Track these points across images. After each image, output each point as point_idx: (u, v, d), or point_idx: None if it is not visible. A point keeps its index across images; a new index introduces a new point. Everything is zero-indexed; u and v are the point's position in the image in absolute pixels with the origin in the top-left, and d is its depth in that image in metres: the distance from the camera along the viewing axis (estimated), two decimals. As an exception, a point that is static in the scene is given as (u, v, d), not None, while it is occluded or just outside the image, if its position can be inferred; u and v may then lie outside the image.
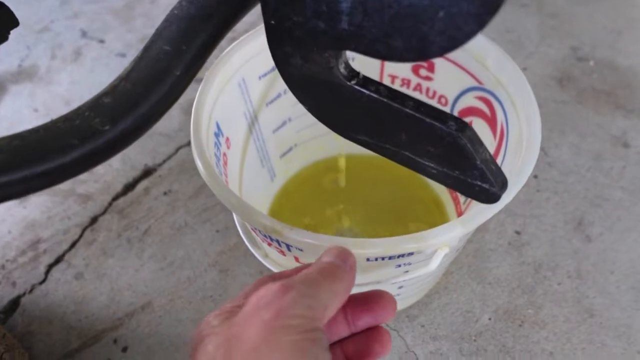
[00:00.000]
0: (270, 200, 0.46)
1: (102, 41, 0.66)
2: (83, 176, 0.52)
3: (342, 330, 0.21)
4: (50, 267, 0.46)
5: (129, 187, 0.51)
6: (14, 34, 0.23)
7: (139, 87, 0.19)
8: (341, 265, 0.20)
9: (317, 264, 0.20)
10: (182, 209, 0.49)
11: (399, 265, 0.29)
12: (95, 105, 0.19)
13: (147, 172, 0.52)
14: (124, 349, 0.41)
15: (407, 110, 0.20)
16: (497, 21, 0.62)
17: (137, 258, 0.46)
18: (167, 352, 0.40)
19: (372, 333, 0.21)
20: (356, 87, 0.21)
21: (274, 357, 0.16)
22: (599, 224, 0.45)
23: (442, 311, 0.41)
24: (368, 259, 0.27)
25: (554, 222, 0.45)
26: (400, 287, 0.34)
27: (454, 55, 0.36)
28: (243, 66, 0.35)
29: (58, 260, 0.46)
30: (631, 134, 0.51)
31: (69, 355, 0.40)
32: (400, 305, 0.40)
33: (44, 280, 0.45)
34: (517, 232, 0.45)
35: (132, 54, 0.65)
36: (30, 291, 0.44)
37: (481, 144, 0.20)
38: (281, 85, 0.29)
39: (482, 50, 0.34)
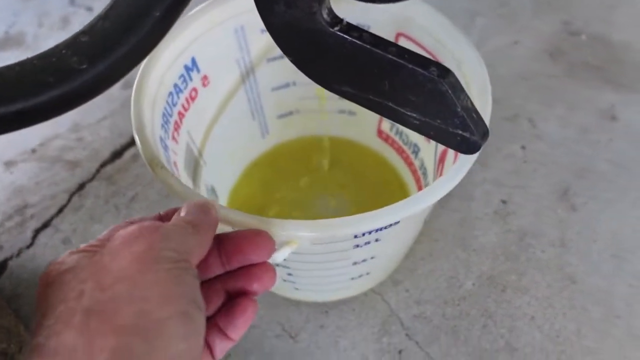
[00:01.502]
0: (256, 155, 0.47)
1: (90, 9, 0.65)
2: (71, 143, 0.52)
3: (217, 269, 0.22)
4: (37, 231, 0.46)
5: (116, 155, 0.51)
6: (0, 1, 0.23)
7: (118, 26, 0.19)
8: (205, 219, 0.20)
9: (182, 217, 0.20)
10: (171, 176, 0.49)
11: None
12: (72, 44, 0.19)
13: (134, 140, 0.52)
14: (111, 311, 0.41)
15: (390, 56, 0.20)
16: (490, -6, 0.61)
17: (125, 223, 0.46)
18: (154, 315, 0.40)
19: (251, 269, 0.22)
20: (339, 33, 0.21)
21: (148, 283, 0.17)
22: (583, 195, 0.46)
23: (427, 277, 0.41)
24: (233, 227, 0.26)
25: (540, 192, 0.46)
26: (289, 274, 0.33)
27: (421, 39, 0.35)
28: (245, 14, 0.35)
29: (45, 225, 0.46)
30: (619, 108, 0.51)
31: (55, 317, 0.41)
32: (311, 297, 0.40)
33: (31, 245, 0.45)
34: (503, 202, 0.45)
35: (121, 22, 0.64)
36: (18, 255, 0.44)
37: (462, 90, 0.20)
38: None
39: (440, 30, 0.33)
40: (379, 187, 0.46)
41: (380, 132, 0.45)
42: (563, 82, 0.54)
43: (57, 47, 0.19)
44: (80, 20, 0.64)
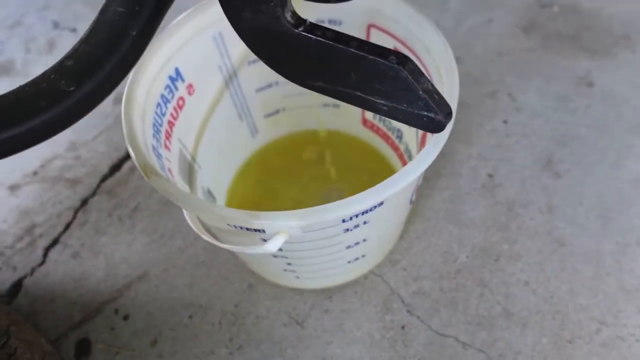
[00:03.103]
0: (248, 155, 0.49)
1: (74, 30, 0.67)
2: (70, 162, 0.54)
3: None
4: (47, 249, 0.48)
5: (115, 168, 0.53)
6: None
7: (99, 48, 0.21)
8: None
9: None
10: (169, 184, 0.50)
11: (264, 240, 0.29)
12: (59, 69, 0.21)
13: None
14: (125, 317, 0.43)
15: (352, 49, 0.22)
16: (461, -25, 0.63)
17: (129, 233, 0.48)
18: (167, 316, 0.42)
19: None
20: (304, 33, 0.23)
21: None
22: (566, 161, 0.47)
23: (422, 254, 0.43)
24: (228, 224, 0.28)
25: (524, 163, 0.47)
26: (288, 264, 0.35)
27: (392, 29, 0.36)
28: (222, 21, 0.36)
29: (54, 242, 0.48)
30: (595, 74, 0.53)
31: (74, 328, 0.43)
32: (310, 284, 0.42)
33: (42, 262, 0.47)
34: (490, 175, 0.47)
35: (106, 40, 0.65)
36: (31, 273, 0.46)
37: (422, 74, 0.22)
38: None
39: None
40: (369, 175, 0.48)
41: (365, 121, 0.47)
42: (539, 55, 0.55)
43: (45, 73, 0.21)
44: (65, 43, 0.65)
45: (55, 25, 0.67)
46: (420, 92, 0.22)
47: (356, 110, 0.47)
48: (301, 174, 0.49)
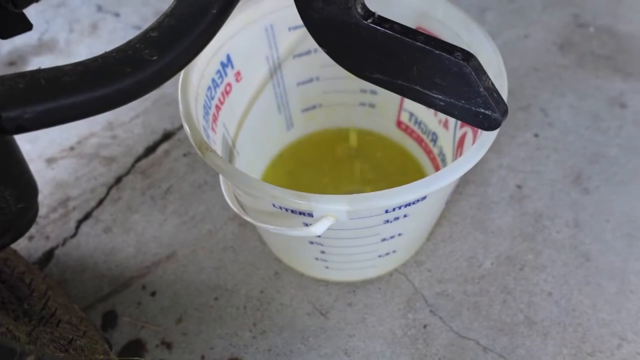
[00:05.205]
0: (281, 147, 0.50)
1: (117, 15, 0.68)
2: (106, 140, 0.55)
3: None
4: (80, 222, 0.49)
5: (150, 150, 0.54)
6: (33, 9, 0.26)
7: (182, 23, 0.22)
8: None
9: None
10: (202, 169, 0.52)
11: (306, 225, 0.30)
12: (144, 39, 0.22)
13: (166, 136, 0.55)
14: (153, 294, 0.44)
15: (419, 43, 0.23)
16: (501, -10, 0.64)
17: (161, 213, 0.49)
18: (193, 296, 0.43)
19: None
20: (372, 25, 0.24)
21: None
22: (596, 178, 0.48)
23: (447, 257, 0.44)
24: (274, 205, 0.29)
25: (554, 177, 0.48)
26: (322, 252, 0.36)
27: (439, 32, 0.37)
28: (274, 13, 0.38)
29: (87, 216, 0.49)
30: (628, 95, 0.53)
31: (102, 300, 0.44)
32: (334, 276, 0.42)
33: (74, 234, 0.48)
34: (519, 186, 0.48)
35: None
36: (63, 244, 0.48)
37: (484, 73, 0.23)
38: (312, 42, 0.33)
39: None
40: (399, 176, 0.49)
41: (399, 123, 0.48)
42: (573, 72, 0.56)
43: (130, 41, 0.22)
44: (108, 26, 0.67)
45: (99, 8, 0.69)
46: (481, 89, 0.23)
47: (391, 112, 0.48)
48: (331, 171, 0.50)
